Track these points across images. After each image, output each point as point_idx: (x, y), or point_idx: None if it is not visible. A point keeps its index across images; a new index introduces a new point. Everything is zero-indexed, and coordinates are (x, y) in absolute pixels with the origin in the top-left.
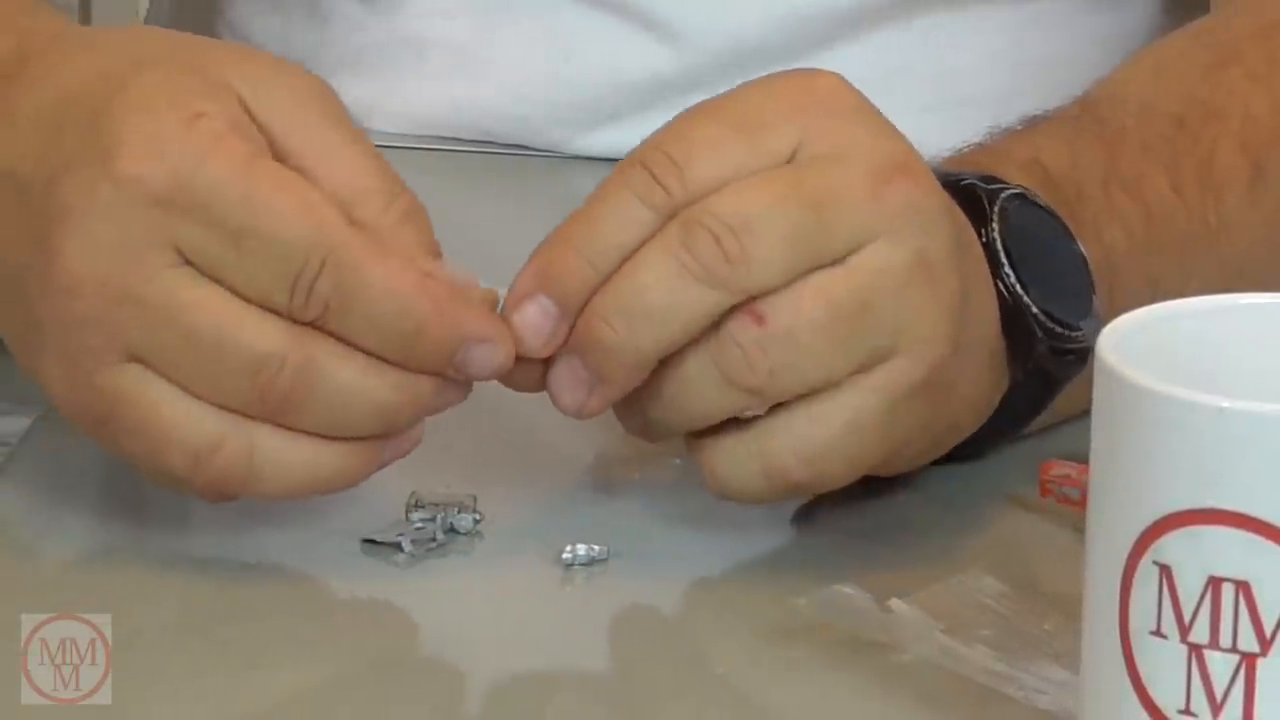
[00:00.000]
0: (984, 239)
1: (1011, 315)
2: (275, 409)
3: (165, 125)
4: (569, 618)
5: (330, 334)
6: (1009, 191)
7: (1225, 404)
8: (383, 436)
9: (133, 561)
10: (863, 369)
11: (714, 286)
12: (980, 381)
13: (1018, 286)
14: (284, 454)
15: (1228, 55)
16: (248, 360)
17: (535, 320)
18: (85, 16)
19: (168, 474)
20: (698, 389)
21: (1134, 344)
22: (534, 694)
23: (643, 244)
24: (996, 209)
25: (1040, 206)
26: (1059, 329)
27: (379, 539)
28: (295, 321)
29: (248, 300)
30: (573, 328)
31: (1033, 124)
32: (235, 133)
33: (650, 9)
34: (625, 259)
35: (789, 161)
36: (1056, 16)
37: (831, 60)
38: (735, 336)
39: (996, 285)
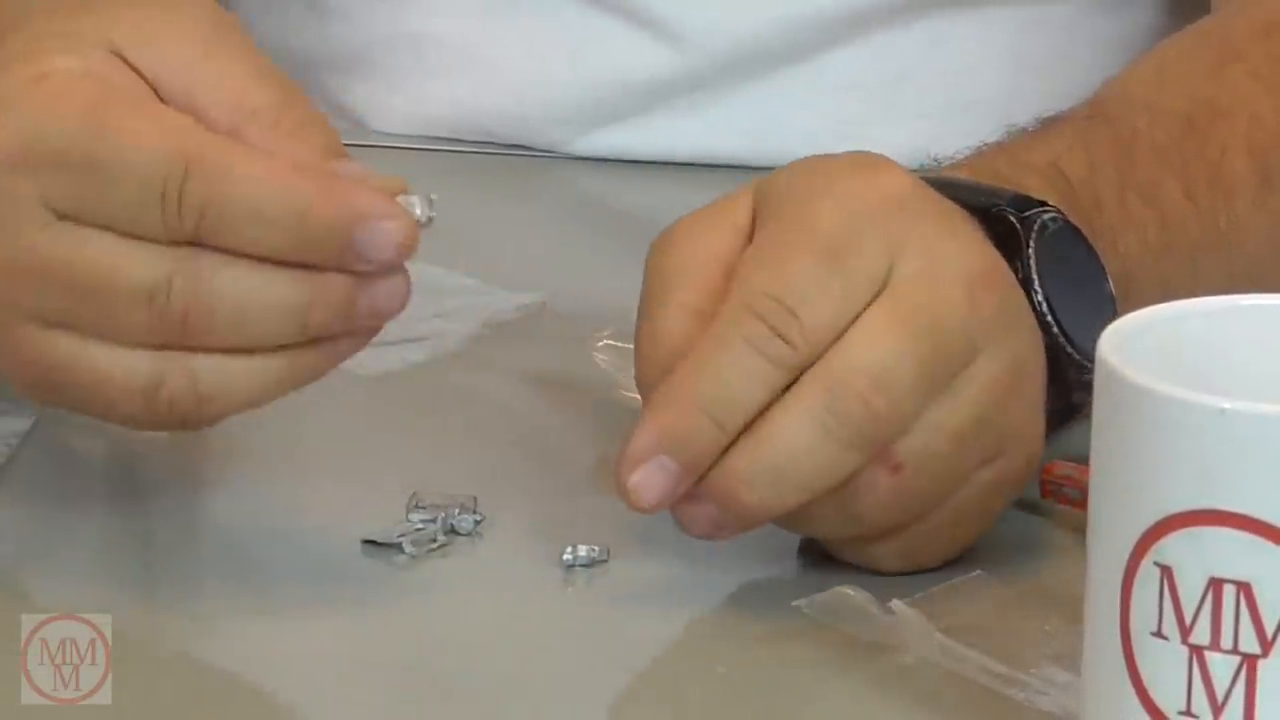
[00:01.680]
0: (1020, 274)
1: (1046, 349)
2: (181, 333)
3: (9, 89)
4: (569, 618)
5: (219, 248)
6: (1044, 217)
7: (1227, 405)
8: (319, 341)
9: (133, 561)
10: (974, 472)
11: (860, 446)
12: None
13: (1054, 325)
14: (224, 373)
15: (1230, 54)
16: (135, 294)
17: (658, 481)
18: None
19: (129, 421)
20: (827, 523)
21: (1136, 345)
22: (534, 694)
23: (770, 398)
24: (1032, 242)
25: (1074, 235)
26: (1085, 360)
27: (380, 540)
28: (178, 244)
29: (127, 236)
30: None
31: (1047, 125)
32: (86, 81)
33: (652, 10)
34: (752, 416)
35: (885, 281)
36: (1058, 19)
37: (833, 63)
38: (873, 487)
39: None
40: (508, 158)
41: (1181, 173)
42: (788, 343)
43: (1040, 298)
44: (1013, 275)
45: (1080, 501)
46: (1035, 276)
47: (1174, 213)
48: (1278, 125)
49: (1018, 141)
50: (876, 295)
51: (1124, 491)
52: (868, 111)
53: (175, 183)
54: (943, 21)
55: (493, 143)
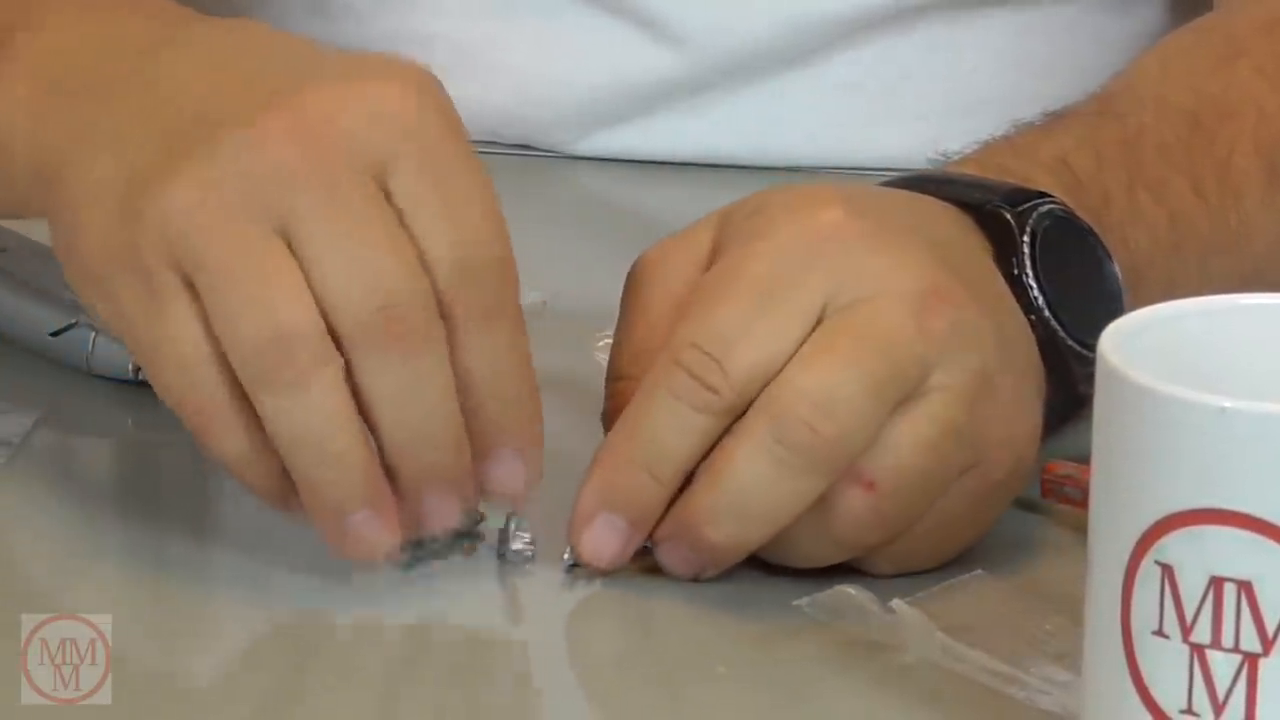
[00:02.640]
0: (1014, 270)
1: (1043, 341)
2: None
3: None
4: (569, 618)
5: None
6: (1040, 210)
7: (1227, 404)
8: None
9: (133, 561)
10: (956, 481)
11: (818, 472)
12: (1040, 437)
13: (1052, 320)
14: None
15: (1234, 49)
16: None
17: (608, 539)
18: None
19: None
20: (809, 550)
21: (1136, 344)
22: (534, 694)
23: (706, 445)
24: (1026, 237)
25: (1074, 225)
26: (1090, 353)
27: None
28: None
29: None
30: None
31: (1054, 121)
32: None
33: (655, 12)
34: (689, 465)
35: (824, 317)
36: (1060, 21)
37: (835, 65)
38: (850, 508)
39: (1029, 316)
40: (510, 157)
41: (1189, 171)
42: (711, 389)
43: (1035, 292)
44: (963, 290)
45: (1080, 501)
46: (1030, 270)
47: (1184, 210)
48: None
49: (1024, 136)
50: (812, 330)
51: (1125, 490)
52: (869, 113)
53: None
54: (943, 24)
55: (496, 142)
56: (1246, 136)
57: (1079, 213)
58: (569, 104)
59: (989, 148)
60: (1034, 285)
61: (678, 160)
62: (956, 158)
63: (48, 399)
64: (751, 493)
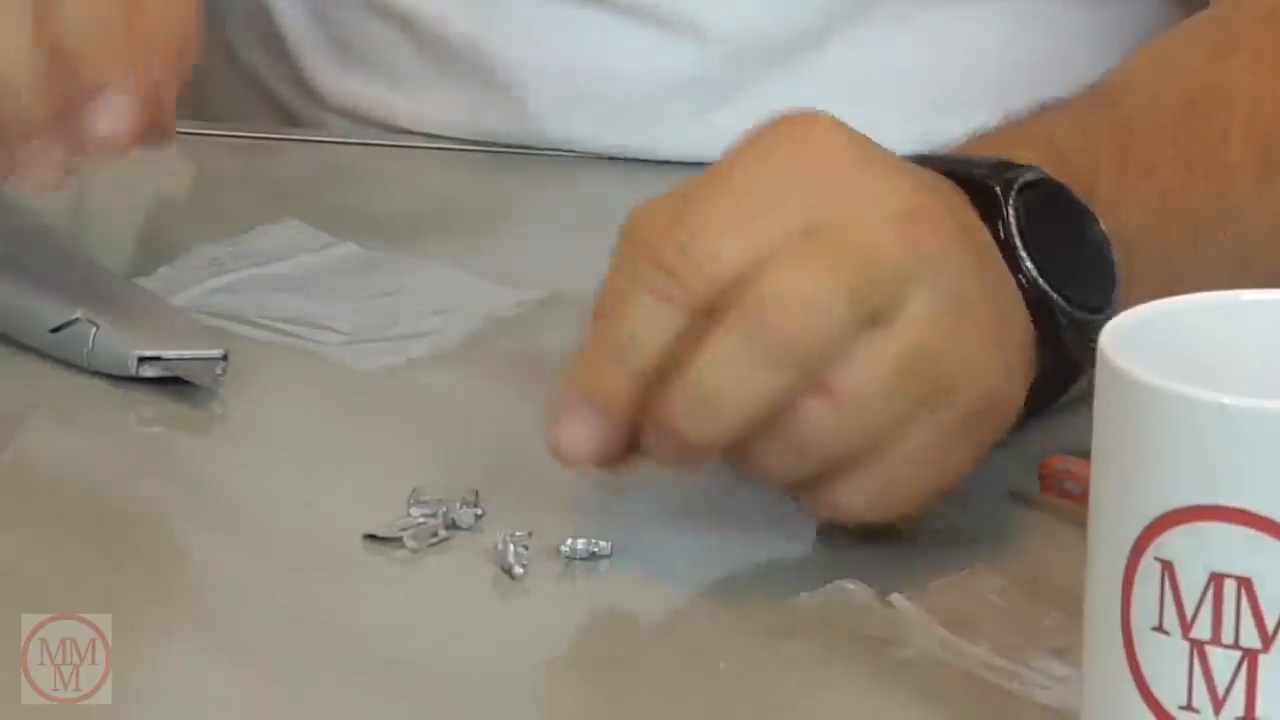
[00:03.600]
0: (1000, 234)
1: (1035, 306)
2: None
3: None
4: (569, 613)
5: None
6: (1024, 178)
7: (1228, 400)
8: None
9: (133, 561)
10: (925, 408)
11: (784, 367)
12: (1022, 388)
13: (1040, 280)
14: None
15: (1233, 41)
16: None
17: (580, 434)
18: None
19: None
20: (776, 461)
21: (1137, 340)
22: (534, 689)
23: (673, 337)
24: (1011, 201)
25: (1058, 189)
26: (1082, 314)
27: (381, 534)
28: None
29: None
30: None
31: (1045, 108)
32: None
33: (657, 6)
34: (658, 356)
35: (807, 229)
36: (1056, 14)
37: (829, 61)
38: (810, 415)
39: (1018, 279)
40: (509, 156)
41: (1181, 154)
42: (685, 285)
43: (1022, 252)
44: (951, 219)
45: (1080, 496)
46: (1016, 235)
47: (1175, 188)
48: (1278, 112)
49: (1014, 122)
50: (791, 241)
51: (1125, 486)
52: (866, 109)
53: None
54: (935, 14)
55: (494, 141)
56: (1240, 124)
57: (1071, 184)
58: (570, 100)
59: (976, 135)
60: (1020, 247)
61: (678, 160)
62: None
63: (47, 395)
64: (718, 384)
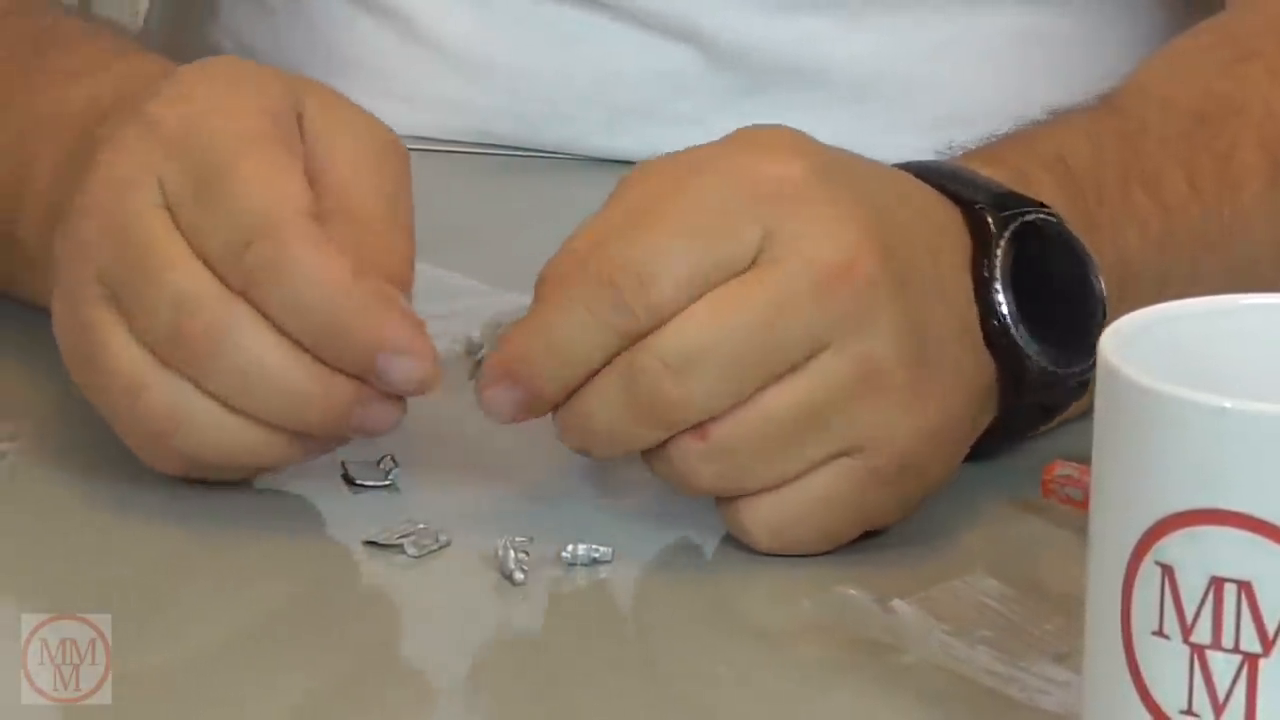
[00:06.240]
0: (984, 273)
1: (1001, 350)
2: (188, 355)
3: (198, 87)
4: (570, 619)
5: (261, 312)
6: (1026, 218)
7: (1227, 404)
8: (303, 432)
9: (132, 561)
10: (830, 459)
11: (658, 426)
12: (958, 442)
13: (1013, 330)
14: (200, 415)
15: (1247, 50)
16: (172, 295)
17: (505, 404)
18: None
19: (111, 414)
20: (667, 479)
21: (1136, 344)
22: (535, 693)
23: (606, 359)
24: (1003, 241)
25: (1064, 235)
26: (1053, 368)
27: (381, 541)
28: (229, 286)
29: (199, 255)
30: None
31: (1057, 116)
32: (256, 111)
33: (656, 11)
34: (587, 373)
35: (738, 268)
36: (1064, 27)
37: (838, 72)
38: (678, 451)
39: (990, 322)
40: (508, 158)
41: (1187, 163)
42: (631, 315)
43: (999, 297)
44: (885, 274)
45: (1081, 501)
46: (998, 278)
47: (1176, 204)
48: None
49: (1027, 130)
50: (729, 279)
51: (1125, 490)
52: (868, 119)
53: (248, 237)
54: (945, 28)
55: (493, 144)
56: (1251, 132)
57: (1072, 212)
58: (563, 102)
59: (991, 142)
60: (998, 290)
61: None
62: (961, 151)
63: (48, 396)
64: (594, 421)
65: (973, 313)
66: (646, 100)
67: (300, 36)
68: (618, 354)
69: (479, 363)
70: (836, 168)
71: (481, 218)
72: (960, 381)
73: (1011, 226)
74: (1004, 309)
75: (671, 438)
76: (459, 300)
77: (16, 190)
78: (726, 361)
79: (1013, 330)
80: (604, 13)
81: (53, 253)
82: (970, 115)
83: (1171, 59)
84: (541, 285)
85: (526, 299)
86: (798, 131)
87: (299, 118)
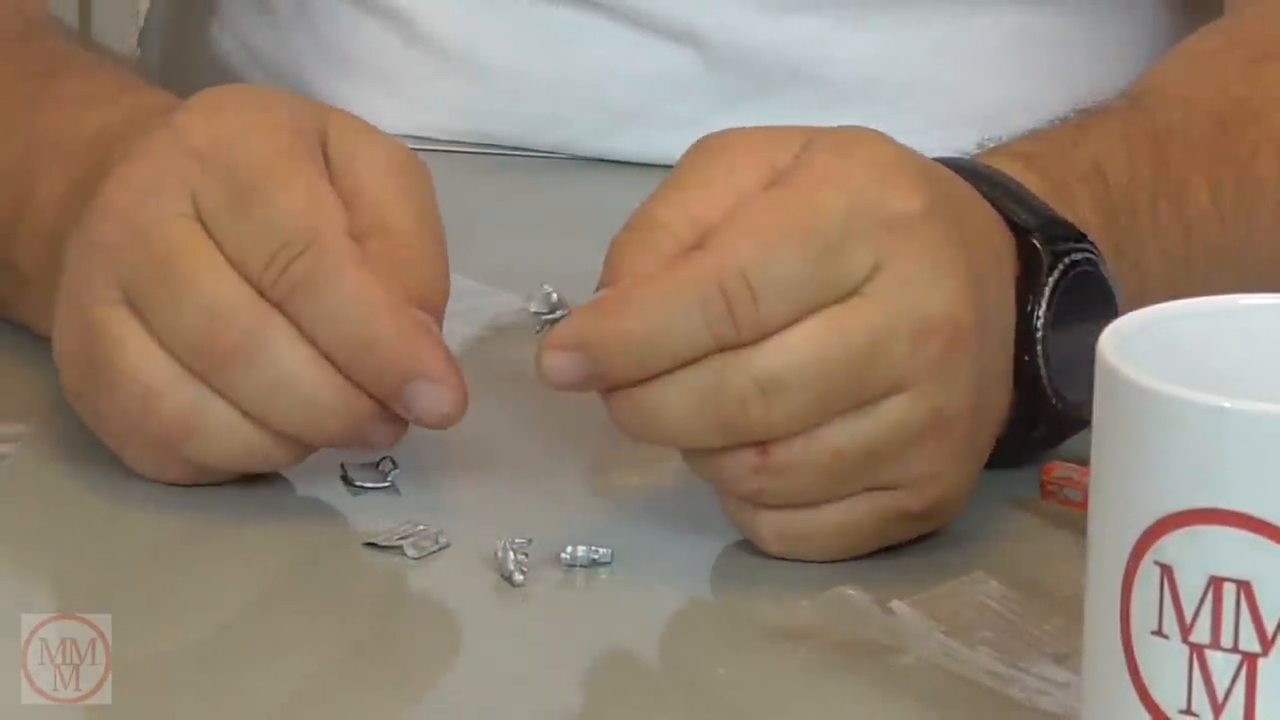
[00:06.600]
0: (1028, 307)
1: (1027, 382)
2: (217, 363)
3: (228, 104)
4: (570, 620)
5: (293, 323)
6: (1073, 256)
7: (1226, 404)
8: (308, 440)
9: (132, 560)
10: (865, 491)
11: (727, 437)
12: (971, 486)
13: (1044, 373)
14: (215, 422)
15: (1259, 52)
16: (204, 302)
17: (570, 373)
18: (85, 16)
19: (114, 415)
20: (701, 472)
21: (1135, 344)
22: (534, 695)
23: (694, 359)
24: (1054, 278)
25: (1097, 280)
26: (1065, 409)
27: (381, 542)
28: (265, 297)
29: (234, 265)
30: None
31: (1086, 118)
32: (289, 131)
33: (654, 11)
34: (670, 369)
35: (855, 288)
36: (1064, 26)
37: (838, 72)
38: (733, 459)
39: (1022, 357)
40: (507, 158)
41: (1210, 173)
42: (735, 327)
43: (1040, 340)
44: (972, 333)
45: (1080, 503)
46: (1042, 316)
47: (1198, 223)
48: None
49: (1064, 133)
50: (834, 303)
51: (1124, 490)
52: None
53: (290, 253)
54: (944, 28)
55: (491, 144)
56: (1270, 139)
57: (1105, 236)
58: (562, 103)
59: (1036, 141)
60: (1039, 330)
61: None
62: (1005, 143)
63: (48, 397)
64: (667, 416)
65: (1010, 348)
66: (645, 101)
67: (302, 37)
68: (706, 355)
69: (550, 322)
70: (944, 204)
71: (481, 218)
72: (997, 426)
73: (1059, 267)
74: (1040, 349)
75: (731, 451)
76: (459, 300)
77: (15, 212)
78: (814, 394)
79: (1043, 375)
80: (602, 14)
81: (50, 278)
82: (970, 115)
83: (1185, 61)
84: (624, 255)
85: (526, 299)
86: (903, 148)
87: (324, 140)
